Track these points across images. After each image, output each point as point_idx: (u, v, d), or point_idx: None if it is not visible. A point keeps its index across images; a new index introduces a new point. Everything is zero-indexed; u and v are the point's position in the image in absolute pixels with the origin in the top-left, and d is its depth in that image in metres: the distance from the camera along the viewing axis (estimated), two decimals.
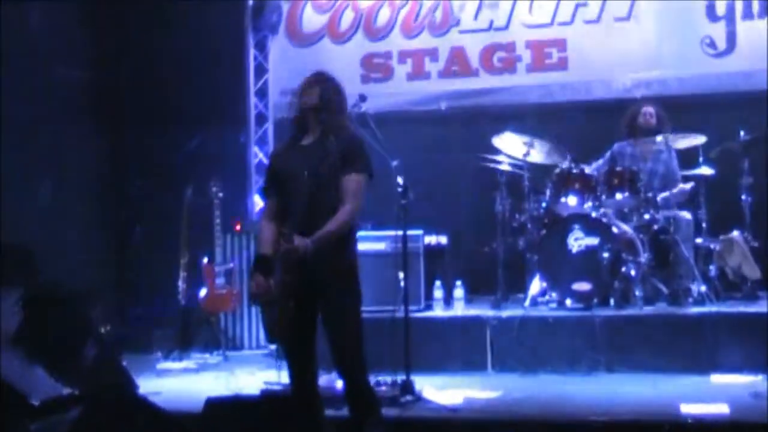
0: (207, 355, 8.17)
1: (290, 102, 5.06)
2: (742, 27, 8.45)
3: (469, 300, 7.92)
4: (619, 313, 7.15)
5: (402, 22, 9.21)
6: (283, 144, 5.15)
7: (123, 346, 7.86)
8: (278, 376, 6.03)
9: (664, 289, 7.45)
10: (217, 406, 4.65)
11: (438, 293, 7.82)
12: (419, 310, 7.54)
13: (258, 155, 9.41)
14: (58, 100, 8.61)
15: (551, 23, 8.87)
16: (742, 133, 7.68)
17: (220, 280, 8.30)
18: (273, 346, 7.40)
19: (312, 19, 9.35)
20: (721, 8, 8.51)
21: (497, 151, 8.04)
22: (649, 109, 8.00)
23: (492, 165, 8.02)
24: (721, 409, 5.70)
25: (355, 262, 4.89)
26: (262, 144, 9.47)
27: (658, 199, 7.63)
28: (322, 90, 4.91)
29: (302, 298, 4.71)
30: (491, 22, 9.00)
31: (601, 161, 8.05)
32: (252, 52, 9.43)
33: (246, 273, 8.43)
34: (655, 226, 7.57)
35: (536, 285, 7.59)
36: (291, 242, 4.58)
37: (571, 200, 7.63)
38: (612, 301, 7.28)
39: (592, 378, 6.79)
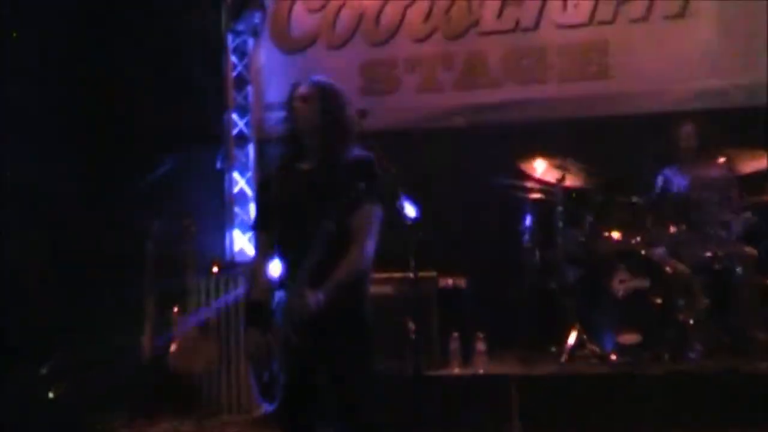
0: (177, 423, 8.18)
1: (283, 117, 5.06)
2: None
3: (492, 355, 7.92)
4: (673, 369, 7.18)
5: (409, 23, 9.32)
6: (276, 168, 5.13)
7: (77, 412, 7.91)
8: None
9: (727, 340, 7.51)
10: None
11: (455, 346, 7.82)
12: (433, 367, 7.58)
13: (238, 183, 9.50)
14: None
15: (589, 23, 9.00)
16: None
17: (193, 333, 8.33)
18: (259, 411, 7.42)
19: (302, 21, 9.47)
20: None
21: (525, 176, 8.15)
22: (687, 129, 8.09)
23: (519, 193, 8.12)
24: None
25: (370, 316, 4.90)
26: (243, 169, 9.56)
27: (719, 233, 7.71)
28: (325, 103, 4.91)
29: (306, 356, 4.75)
30: (517, 22, 9.13)
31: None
32: (230, 59, 9.54)
33: (224, 321, 8.51)
34: (716, 265, 7.64)
35: (573, 336, 7.64)
36: (302, 298, 4.62)
37: (615, 234, 7.73)
38: (665, 356, 7.33)
39: None
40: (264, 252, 5.01)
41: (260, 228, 5.08)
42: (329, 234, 4.59)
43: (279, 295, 4.76)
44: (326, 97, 4.94)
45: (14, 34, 8.93)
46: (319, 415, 4.89)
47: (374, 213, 4.78)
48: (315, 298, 4.63)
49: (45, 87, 9.11)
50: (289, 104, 5.01)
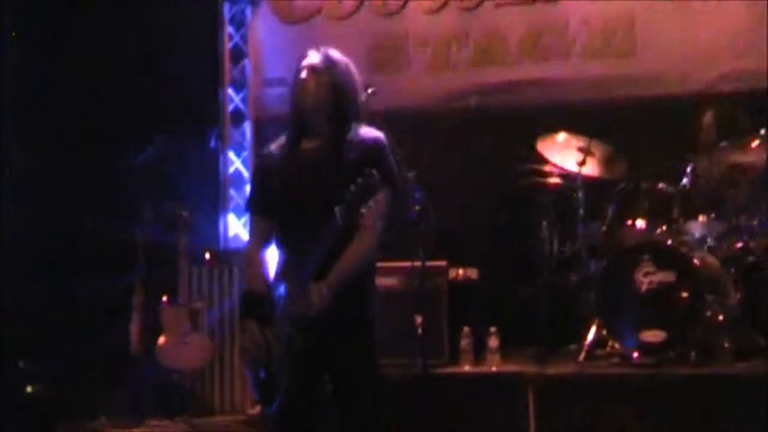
0: (167, 423, 8.14)
1: (287, 93, 5.01)
2: None
3: (506, 352, 7.83)
4: (701, 371, 7.11)
5: None
6: (277, 147, 5.04)
7: (58, 412, 7.84)
8: None
9: (761, 340, 7.43)
10: None
11: (466, 343, 7.74)
12: (442, 365, 7.53)
13: (234, 163, 9.47)
14: None
15: None
16: None
17: (185, 326, 8.29)
18: (253, 411, 7.39)
19: None
20: None
21: (543, 161, 8.09)
22: (707, 119, 8.04)
23: (536, 179, 8.06)
24: None
25: (374, 310, 4.87)
26: (239, 149, 9.52)
27: (751, 222, 7.64)
28: (333, 78, 4.83)
29: (308, 356, 4.69)
30: None
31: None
32: (227, 30, 9.49)
33: (218, 315, 8.47)
34: (748, 258, 7.59)
35: (593, 333, 7.58)
36: (304, 291, 4.54)
37: (639, 224, 7.66)
38: (693, 355, 7.24)
39: None
40: (260, 238, 4.96)
41: (257, 211, 5.01)
42: (337, 224, 4.48)
43: (279, 287, 4.67)
44: (336, 69, 4.87)
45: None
46: (320, 422, 4.84)
47: (385, 198, 4.67)
48: (320, 293, 4.53)
49: (24, 61, 9.04)
50: (295, 76, 4.92)
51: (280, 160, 4.94)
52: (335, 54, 4.95)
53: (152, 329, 8.35)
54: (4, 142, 8.72)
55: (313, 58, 4.89)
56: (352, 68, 4.96)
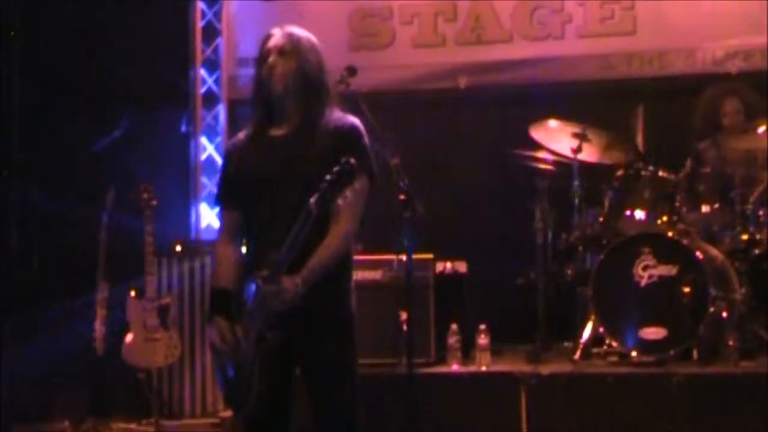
0: (133, 425, 8.18)
1: (253, 75, 4.96)
2: None
3: (496, 351, 7.88)
4: (705, 371, 7.14)
5: None
6: (244, 135, 5.02)
7: (13, 414, 7.88)
8: None
9: (767, 335, 7.47)
10: None
11: (454, 341, 7.75)
12: (428, 364, 7.57)
13: (206, 148, 9.49)
14: None
15: None
16: None
17: (152, 322, 8.30)
18: (224, 414, 7.42)
19: None
20: None
21: (537, 146, 8.11)
22: (732, 105, 8.11)
23: (530, 165, 8.09)
24: None
25: (352, 305, 4.86)
26: (212, 134, 9.55)
27: (758, 212, 7.67)
28: (301, 61, 4.81)
29: (280, 354, 4.69)
30: None
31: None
32: (198, 6, 9.50)
33: (188, 310, 8.50)
34: (755, 250, 7.61)
35: (589, 330, 7.61)
36: (276, 284, 4.53)
37: (639, 214, 7.71)
38: (695, 354, 7.30)
39: None
40: (229, 231, 4.95)
41: (225, 204, 5.00)
42: (311, 215, 4.46)
43: (249, 282, 4.68)
44: (303, 51, 4.85)
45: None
46: (293, 423, 4.87)
47: (361, 188, 4.65)
48: (293, 286, 4.55)
49: None
50: (260, 58, 4.90)
51: (247, 149, 4.92)
52: (300, 32, 4.91)
53: (117, 325, 8.39)
54: None
55: (278, 38, 4.85)
56: (318, 47, 4.92)
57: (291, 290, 4.54)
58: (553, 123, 8.03)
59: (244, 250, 4.93)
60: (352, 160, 4.41)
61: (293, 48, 4.83)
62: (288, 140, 4.82)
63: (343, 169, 4.39)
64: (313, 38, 4.93)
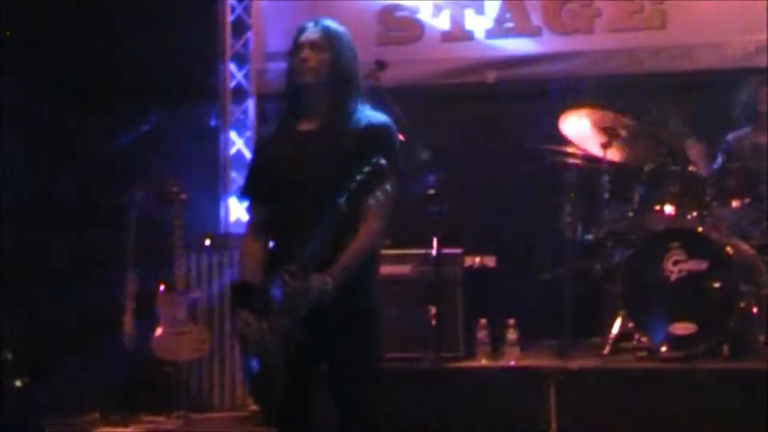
0: (161, 418, 8.18)
1: (285, 68, 4.93)
2: None
3: (525, 345, 7.89)
4: (734, 366, 7.13)
5: None
6: (273, 129, 5.04)
7: (45, 407, 7.90)
8: None
9: None
10: None
11: (483, 335, 7.78)
12: (457, 359, 7.55)
13: (235, 143, 9.50)
14: None
15: None
16: None
17: (181, 315, 8.32)
18: (254, 407, 7.43)
19: None
20: None
21: (565, 141, 8.09)
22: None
23: (558, 160, 8.06)
24: None
25: (379, 304, 4.86)
26: (241, 128, 9.55)
27: None
28: (335, 52, 4.77)
29: (306, 351, 4.68)
30: None
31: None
32: (228, 1, 9.51)
33: (217, 304, 8.53)
34: None
35: (618, 325, 7.60)
36: (304, 281, 4.53)
37: (669, 209, 7.67)
38: (725, 349, 7.26)
39: None
40: (256, 225, 4.93)
41: (253, 198, 4.99)
42: (341, 214, 4.46)
43: (276, 277, 4.67)
44: (338, 45, 4.81)
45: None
46: (319, 418, 4.87)
47: (392, 191, 4.58)
48: (322, 284, 4.54)
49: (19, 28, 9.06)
50: (293, 51, 4.87)
51: (276, 143, 4.91)
52: (335, 26, 4.88)
53: (147, 319, 8.41)
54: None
55: (312, 32, 4.82)
56: (352, 41, 4.88)
57: (319, 288, 4.54)
58: (582, 118, 8.00)
59: (272, 244, 4.92)
60: (383, 161, 4.40)
61: (327, 42, 4.80)
62: (318, 135, 4.79)
63: (374, 170, 4.38)
64: (347, 33, 4.90)
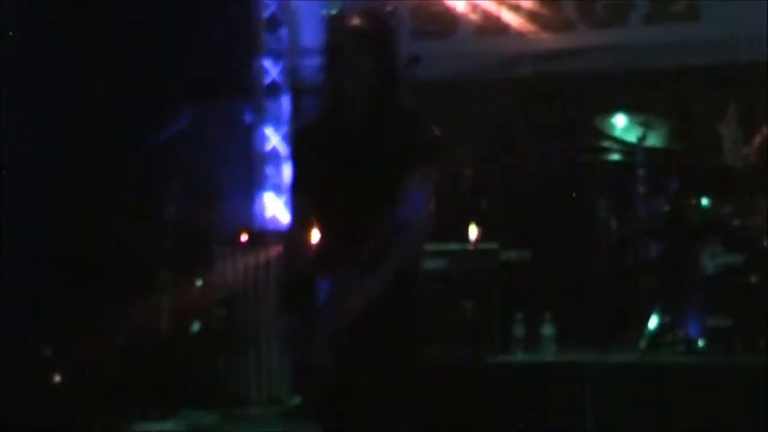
0: (200, 413, 8.23)
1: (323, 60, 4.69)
2: None
3: (562, 340, 7.90)
4: None
5: None
6: (313, 123, 4.86)
7: (85, 402, 7.95)
8: None
9: None
10: None
11: (519, 330, 7.79)
12: (493, 354, 7.56)
13: (270, 139, 9.50)
14: None
15: None
16: None
17: (219, 311, 8.33)
18: (293, 402, 7.46)
19: None
20: None
21: (601, 135, 8.08)
22: None
23: (594, 154, 8.06)
24: None
25: (421, 306, 4.79)
26: (277, 124, 9.54)
27: None
28: (378, 44, 4.54)
29: (351, 351, 4.62)
30: None
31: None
32: None
33: (253, 299, 8.54)
34: None
35: (655, 320, 7.58)
36: (356, 286, 4.49)
37: (705, 202, 7.65)
38: (763, 343, 7.25)
39: None
40: (306, 218, 4.89)
41: (302, 190, 4.92)
42: (396, 220, 4.41)
43: (324, 275, 4.66)
44: (385, 35, 4.60)
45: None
46: (362, 415, 4.87)
47: (435, 192, 4.52)
48: (371, 287, 4.54)
49: (44, 29, 9.06)
50: (331, 40, 4.62)
51: (316, 139, 4.77)
52: (378, 13, 4.71)
53: (183, 314, 8.44)
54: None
55: (354, 19, 4.55)
56: (395, 32, 4.64)
57: (367, 290, 4.54)
58: (617, 111, 7.98)
59: (318, 239, 4.91)
60: (431, 168, 4.38)
61: (373, 29, 4.55)
62: (358, 131, 4.72)
63: (422, 177, 4.36)
64: (391, 23, 4.72)
